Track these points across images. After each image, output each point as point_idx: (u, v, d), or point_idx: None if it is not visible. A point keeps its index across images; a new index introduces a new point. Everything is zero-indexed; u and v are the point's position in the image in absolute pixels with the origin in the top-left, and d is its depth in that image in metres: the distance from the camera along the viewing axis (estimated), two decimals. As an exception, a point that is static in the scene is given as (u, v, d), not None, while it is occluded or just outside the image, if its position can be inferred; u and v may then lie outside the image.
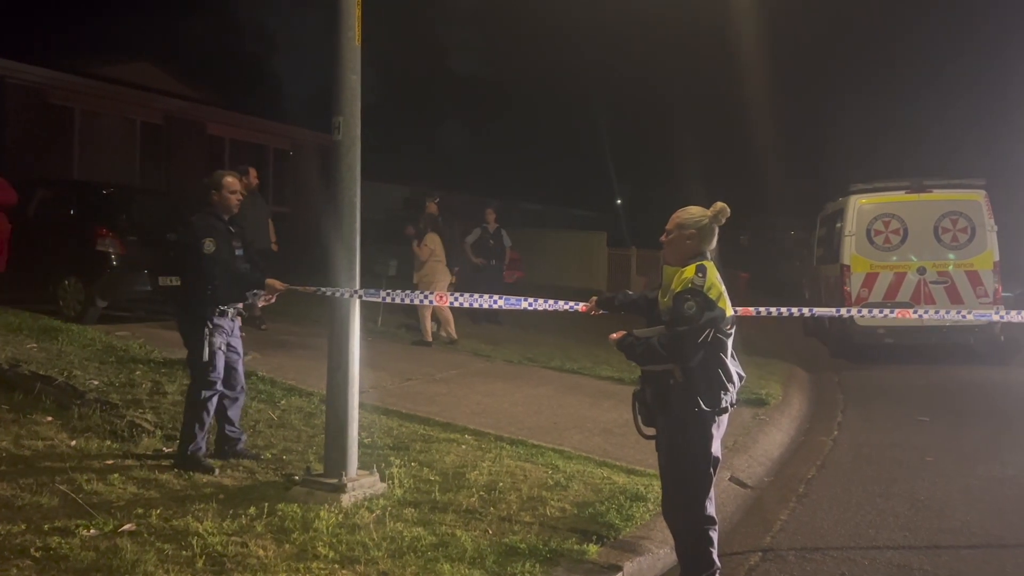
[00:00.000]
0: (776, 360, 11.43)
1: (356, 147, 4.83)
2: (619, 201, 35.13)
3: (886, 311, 8.04)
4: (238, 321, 5.38)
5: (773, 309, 5.41)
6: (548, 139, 32.28)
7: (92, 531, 3.93)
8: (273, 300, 5.38)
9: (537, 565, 3.96)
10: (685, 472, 3.81)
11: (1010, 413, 8.41)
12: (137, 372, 7.21)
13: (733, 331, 3.82)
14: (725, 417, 3.84)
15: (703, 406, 3.68)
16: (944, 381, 10.40)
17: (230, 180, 5.32)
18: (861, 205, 11.95)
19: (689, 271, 3.68)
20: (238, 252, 5.31)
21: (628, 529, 4.55)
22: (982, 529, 5.01)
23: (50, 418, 5.63)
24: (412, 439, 6.01)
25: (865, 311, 9.60)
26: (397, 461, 5.34)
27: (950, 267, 11.51)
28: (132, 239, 10.20)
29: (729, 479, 5.86)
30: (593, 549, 4.21)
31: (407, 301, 5.03)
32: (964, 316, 8.88)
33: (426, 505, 4.67)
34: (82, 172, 14.15)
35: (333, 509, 4.48)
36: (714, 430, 3.79)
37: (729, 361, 3.77)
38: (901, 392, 9.73)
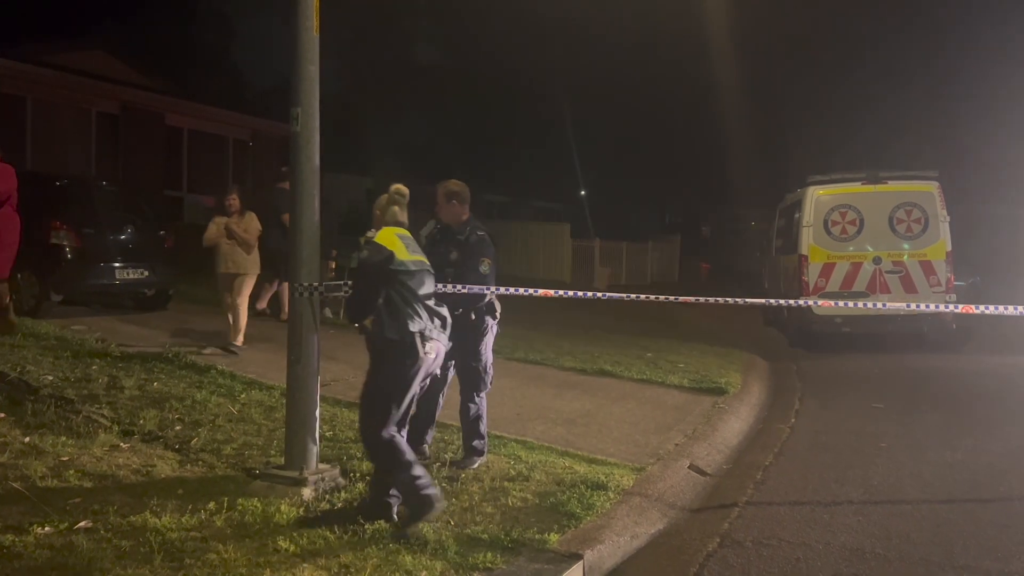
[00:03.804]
0: (736, 349, 11.62)
1: (315, 138, 4.80)
2: (583, 192, 35.25)
3: (804, 302, 8.14)
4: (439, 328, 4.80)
5: (701, 297, 6.02)
6: (512, 130, 32.24)
7: (47, 529, 3.86)
8: None
9: (498, 555, 3.99)
10: (368, 394, 4.44)
11: (960, 400, 8.65)
12: (93, 367, 7.09)
13: (423, 278, 4.50)
14: (429, 347, 4.36)
15: (387, 335, 4.31)
16: (899, 369, 10.65)
17: (437, 193, 5.61)
18: (818, 196, 12.15)
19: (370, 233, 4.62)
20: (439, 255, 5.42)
21: (589, 518, 4.60)
22: (932, 512, 5.14)
23: (3, 414, 5.51)
24: (374, 432, 5.99)
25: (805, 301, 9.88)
26: (359, 454, 5.33)
27: (905, 257, 11.76)
28: (88, 231, 10.02)
29: (688, 467, 5.95)
30: (554, 538, 4.25)
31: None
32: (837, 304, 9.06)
33: (388, 497, 4.66)
34: (35, 163, 13.84)
35: (294, 503, 4.47)
36: (405, 360, 4.31)
37: (422, 303, 4.41)
38: (857, 380, 9.94)
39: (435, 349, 4.46)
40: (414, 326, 4.33)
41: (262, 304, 10.80)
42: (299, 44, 4.74)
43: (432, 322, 4.44)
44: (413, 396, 4.50)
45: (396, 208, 4.72)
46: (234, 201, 8.70)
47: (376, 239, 4.47)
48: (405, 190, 4.77)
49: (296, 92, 4.76)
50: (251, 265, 8.71)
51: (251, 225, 8.74)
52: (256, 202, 10.49)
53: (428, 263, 4.64)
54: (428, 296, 4.53)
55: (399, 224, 4.68)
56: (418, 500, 4.25)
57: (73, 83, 15.23)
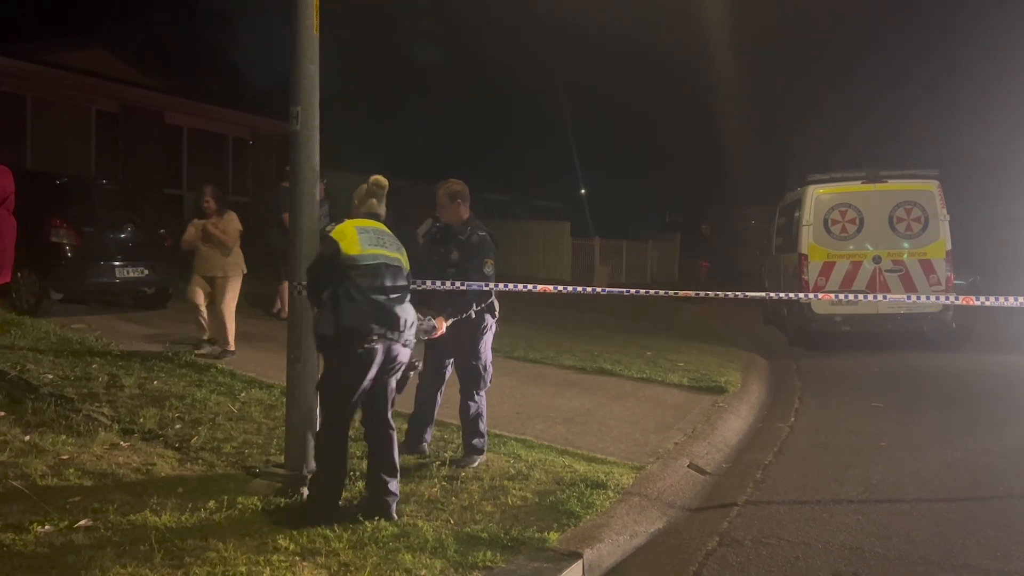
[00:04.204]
0: (735, 348, 11.62)
1: (315, 137, 4.80)
2: (583, 191, 35.28)
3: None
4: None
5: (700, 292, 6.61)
6: (512, 129, 32.31)
7: (47, 527, 3.87)
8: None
9: (498, 553, 4.00)
10: (318, 385, 4.48)
11: (960, 399, 8.65)
12: (93, 365, 7.10)
13: (380, 272, 4.32)
14: (372, 343, 4.22)
15: (319, 330, 4.27)
16: (898, 368, 10.64)
17: (438, 194, 5.58)
18: (818, 195, 12.15)
19: None
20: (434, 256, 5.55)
21: (588, 516, 4.61)
22: (931, 511, 5.14)
23: (3, 413, 5.52)
24: (374, 430, 5.99)
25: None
26: (358, 453, 5.32)
27: (904, 256, 11.76)
28: (88, 230, 10.02)
29: (688, 466, 5.95)
30: (553, 537, 4.25)
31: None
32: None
33: (388, 496, 4.66)
34: (35, 162, 13.84)
35: (294, 501, 4.47)
36: (340, 355, 4.25)
37: (371, 298, 4.24)
38: (857, 379, 9.94)
39: (384, 346, 4.27)
40: (350, 321, 4.18)
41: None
42: (299, 43, 4.74)
43: (386, 318, 4.26)
44: (364, 394, 4.34)
45: (373, 200, 4.69)
46: (209, 202, 8.27)
47: (332, 233, 4.39)
48: (384, 182, 4.74)
49: (296, 91, 4.76)
50: (232, 267, 8.27)
51: (229, 226, 8.27)
52: (257, 200, 10.48)
53: (394, 257, 4.42)
54: (388, 290, 4.32)
55: (373, 216, 4.61)
56: (316, 501, 4.33)
57: (73, 82, 15.22)
